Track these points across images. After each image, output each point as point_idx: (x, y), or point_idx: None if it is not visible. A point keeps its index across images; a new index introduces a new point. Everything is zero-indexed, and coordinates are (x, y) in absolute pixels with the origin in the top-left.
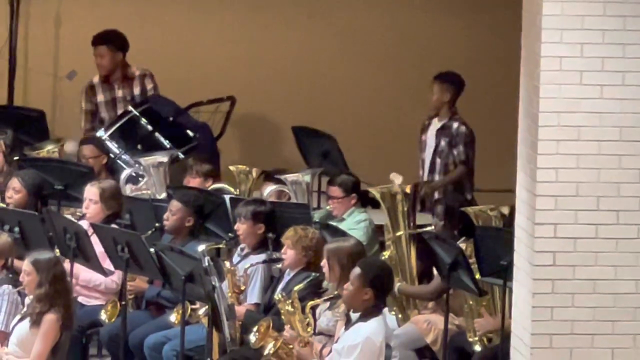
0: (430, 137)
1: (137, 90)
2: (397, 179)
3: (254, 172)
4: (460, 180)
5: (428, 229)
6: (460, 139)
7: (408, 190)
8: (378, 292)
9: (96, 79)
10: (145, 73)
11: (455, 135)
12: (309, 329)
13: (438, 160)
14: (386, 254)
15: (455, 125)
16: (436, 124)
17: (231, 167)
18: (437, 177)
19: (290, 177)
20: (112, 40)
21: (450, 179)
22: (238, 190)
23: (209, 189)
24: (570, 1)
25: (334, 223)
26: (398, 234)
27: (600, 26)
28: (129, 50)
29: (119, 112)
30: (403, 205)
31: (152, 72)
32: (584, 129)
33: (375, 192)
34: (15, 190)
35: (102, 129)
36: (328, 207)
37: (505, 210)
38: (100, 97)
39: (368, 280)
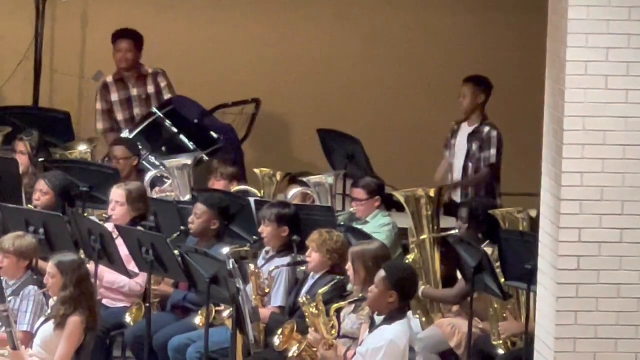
0: (460, 141)
1: (151, 89)
2: None
3: (278, 175)
4: (489, 183)
5: (452, 232)
6: (491, 142)
7: (432, 194)
8: (403, 295)
9: (110, 79)
10: (158, 71)
11: (486, 139)
12: (333, 332)
13: (470, 165)
14: (410, 258)
15: (486, 129)
16: (467, 128)
17: (255, 170)
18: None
19: (313, 179)
20: (135, 37)
21: (472, 180)
22: (262, 192)
23: (233, 191)
24: (595, 6)
25: (357, 226)
26: (422, 237)
27: (625, 31)
28: (154, 51)
29: (135, 111)
30: (427, 209)
31: (164, 69)
32: (609, 133)
33: (399, 195)
34: (43, 192)
35: (127, 130)
36: (352, 210)
37: (533, 213)
38: (114, 96)
39: (393, 283)
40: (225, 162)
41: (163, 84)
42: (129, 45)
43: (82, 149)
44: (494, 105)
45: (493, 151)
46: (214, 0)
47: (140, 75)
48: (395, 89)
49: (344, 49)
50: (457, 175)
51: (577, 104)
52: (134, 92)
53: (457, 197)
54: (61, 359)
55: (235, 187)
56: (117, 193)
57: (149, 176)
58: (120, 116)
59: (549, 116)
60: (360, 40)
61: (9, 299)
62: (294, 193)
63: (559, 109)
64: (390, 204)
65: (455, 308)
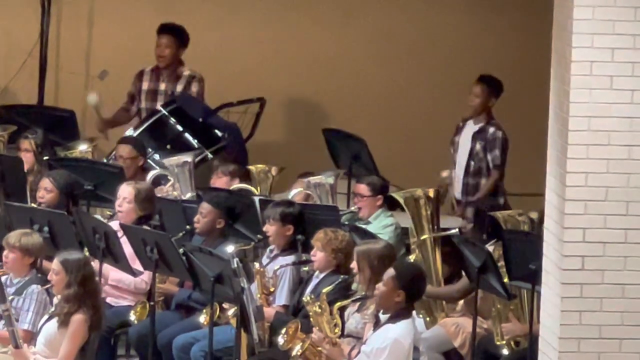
0: (464, 139)
1: (179, 88)
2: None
3: (273, 170)
4: (496, 185)
5: (452, 231)
6: (496, 143)
7: (431, 194)
8: (410, 295)
9: (148, 67)
10: (195, 75)
11: (491, 140)
12: (336, 330)
13: (472, 163)
14: (412, 258)
15: (491, 129)
16: (472, 126)
17: (250, 167)
18: (470, 180)
19: (313, 179)
20: (177, 34)
21: (487, 189)
22: (259, 189)
23: (231, 188)
24: (601, 6)
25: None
26: (423, 237)
27: (631, 31)
28: None
29: (159, 104)
30: (426, 210)
31: (202, 76)
32: (614, 133)
33: (398, 197)
34: (47, 190)
35: (132, 128)
36: (353, 208)
37: (534, 215)
38: (144, 85)
39: (402, 282)
40: (225, 160)
41: (194, 90)
42: (169, 41)
43: (82, 149)
44: (498, 105)
45: (498, 152)
46: (220, 1)
47: (174, 73)
48: (401, 89)
49: (349, 49)
50: (459, 172)
51: (582, 104)
52: (162, 86)
53: (457, 193)
54: (64, 357)
55: (234, 185)
56: (126, 190)
57: (150, 175)
58: (143, 105)
59: (554, 116)
60: (366, 40)
61: (12, 296)
62: (294, 194)
63: (564, 109)
64: (393, 204)
65: (459, 307)
